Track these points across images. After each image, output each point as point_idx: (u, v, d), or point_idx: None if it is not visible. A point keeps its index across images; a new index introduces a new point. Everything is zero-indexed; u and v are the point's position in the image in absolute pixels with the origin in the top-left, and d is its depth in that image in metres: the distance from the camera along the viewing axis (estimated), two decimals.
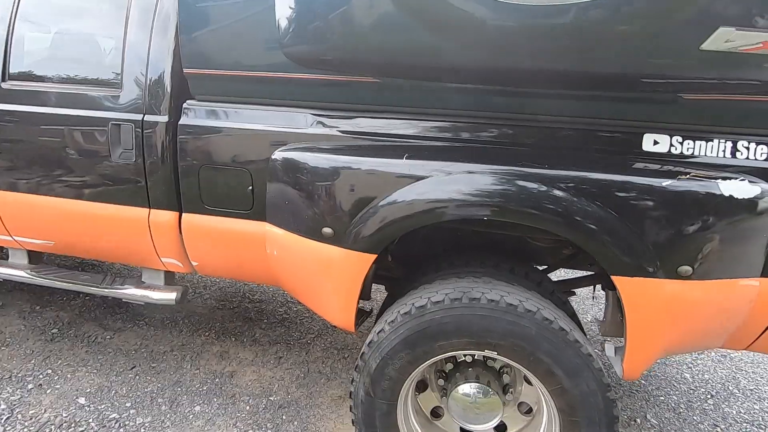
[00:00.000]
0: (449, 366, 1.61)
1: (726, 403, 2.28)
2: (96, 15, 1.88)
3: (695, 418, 2.17)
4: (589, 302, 3.32)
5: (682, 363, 2.62)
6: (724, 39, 1.11)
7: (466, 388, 1.52)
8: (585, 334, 1.54)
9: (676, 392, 2.35)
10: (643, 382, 2.42)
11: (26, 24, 1.89)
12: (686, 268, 1.27)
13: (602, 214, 1.28)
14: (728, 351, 2.71)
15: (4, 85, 1.85)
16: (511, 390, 1.56)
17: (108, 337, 2.53)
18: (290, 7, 1.48)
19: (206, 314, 2.89)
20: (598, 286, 1.81)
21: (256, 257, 1.75)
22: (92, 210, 1.86)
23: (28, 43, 1.91)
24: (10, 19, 1.87)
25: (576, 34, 1.23)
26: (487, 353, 1.39)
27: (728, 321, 1.40)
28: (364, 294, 1.62)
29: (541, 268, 1.92)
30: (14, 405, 1.95)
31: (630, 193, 1.30)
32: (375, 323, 1.82)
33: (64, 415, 1.92)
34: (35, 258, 2.21)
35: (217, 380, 2.21)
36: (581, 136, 1.43)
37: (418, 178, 1.41)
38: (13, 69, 1.86)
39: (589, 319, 3.01)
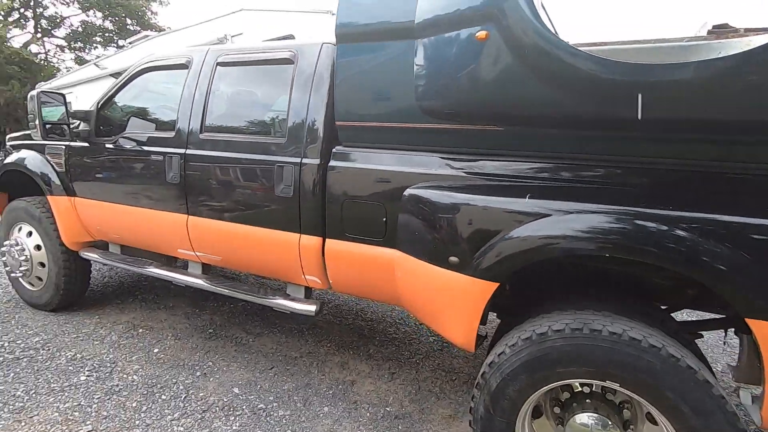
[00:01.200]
0: (566, 395, 1.68)
1: None
2: (268, 82, 2.39)
3: None
4: (718, 349, 3.04)
5: None
6: None
7: (584, 419, 1.57)
8: (715, 377, 1.52)
9: None
10: None
11: (218, 89, 2.47)
12: None
13: (734, 256, 1.30)
14: None
15: (201, 136, 2.43)
16: (631, 426, 1.58)
17: (250, 339, 3.01)
18: (426, 68, 1.78)
19: (326, 327, 3.25)
20: (730, 331, 1.74)
21: (384, 279, 2.02)
22: (255, 233, 2.31)
23: (219, 104, 2.48)
24: (208, 87, 2.46)
25: (697, 87, 1.32)
26: (609, 384, 1.45)
27: None
28: (483, 318, 1.78)
29: (663, 307, 1.90)
30: (188, 387, 2.44)
31: (765, 235, 1.30)
32: (490, 347, 1.97)
33: (225, 400, 2.34)
34: (206, 269, 2.76)
35: (340, 387, 2.51)
36: (708, 179, 1.46)
37: (540, 216, 1.56)
38: (208, 123, 2.44)
39: (719, 369, 2.75)
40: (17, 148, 3.29)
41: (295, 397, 2.40)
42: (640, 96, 1.38)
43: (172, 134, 2.53)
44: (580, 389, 1.67)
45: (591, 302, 1.68)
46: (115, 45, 16.13)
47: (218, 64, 2.47)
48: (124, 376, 2.51)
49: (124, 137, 2.75)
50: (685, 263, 1.37)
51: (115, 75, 7.22)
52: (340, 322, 3.36)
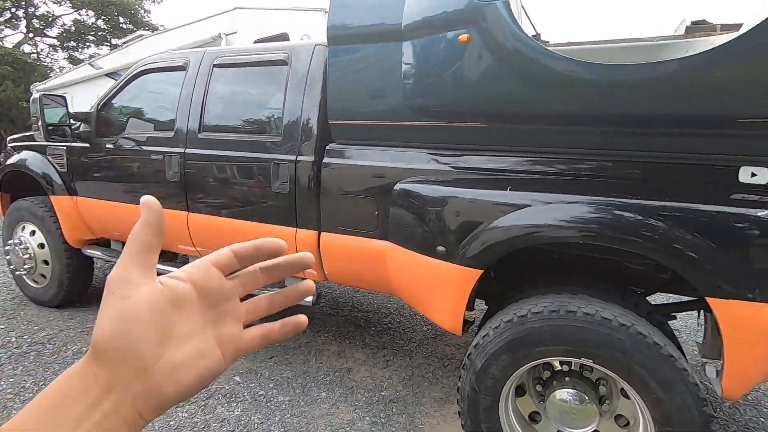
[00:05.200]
0: (546, 374, 1.80)
1: None
2: (264, 82, 2.48)
3: None
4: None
5: None
6: None
7: (563, 395, 1.69)
8: (683, 354, 1.64)
9: None
10: (761, 420, 2.30)
11: (215, 90, 2.56)
12: None
13: (697, 241, 1.42)
14: None
15: (200, 135, 2.52)
16: (607, 401, 1.70)
17: None
18: (413, 69, 1.88)
19: (323, 319, 3.37)
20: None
21: (377, 269, 2.13)
22: (253, 228, 2.41)
23: (216, 105, 2.57)
24: (205, 87, 2.55)
25: (668, 84, 1.43)
26: (584, 362, 1.57)
27: None
28: (470, 304, 1.89)
29: (639, 291, 2.02)
30: None
31: (725, 221, 1.42)
32: (478, 331, 2.09)
33: (227, 387, 2.45)
34: None
35: (337, 374, 2.62)
36: (677, 170, 1.57)
37: (521, 207, 1.67)
38: (206, 123, 2.53)
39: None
40: (18, 149, 3.37)
41: (294, 384, 2.51)
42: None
43: (171, 134, 2.62)
44: (560, 368, 1.79)
45: (569, 287, 1.80)
46: (109, 44, 16.09)
47: (215, 65, 2.56)
48: None
49: (124, 137, 2.84)
50: (658, 250, 1.48)
51: (111, 75, 7.27)
52: (336, 314, 3.47)
